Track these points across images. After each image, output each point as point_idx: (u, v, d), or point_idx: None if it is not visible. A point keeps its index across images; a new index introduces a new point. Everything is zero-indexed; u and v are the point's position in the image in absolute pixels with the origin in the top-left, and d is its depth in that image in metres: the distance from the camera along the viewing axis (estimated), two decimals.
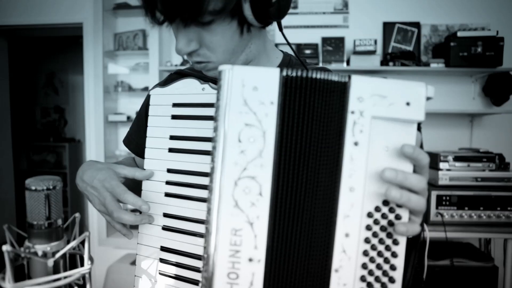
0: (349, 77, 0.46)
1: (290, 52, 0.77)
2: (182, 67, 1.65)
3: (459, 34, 2.31)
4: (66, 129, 4.91)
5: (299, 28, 2.71)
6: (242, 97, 0.44)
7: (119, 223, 0.63)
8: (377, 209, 0.47)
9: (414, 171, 0.47)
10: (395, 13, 2.64)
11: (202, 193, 0.60)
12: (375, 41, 2.48)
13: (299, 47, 2.56)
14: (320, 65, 2.52)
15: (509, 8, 2.54)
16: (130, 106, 2.99)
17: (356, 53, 2.49)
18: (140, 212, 0.62)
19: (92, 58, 2.79)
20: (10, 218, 3.72)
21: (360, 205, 0.47)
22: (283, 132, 0.45)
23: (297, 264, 0.48)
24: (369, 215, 0.47)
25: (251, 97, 0.44)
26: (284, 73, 0.45)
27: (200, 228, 0.59)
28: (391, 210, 0.47)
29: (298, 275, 0.48)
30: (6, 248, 0.45)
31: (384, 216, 0.47)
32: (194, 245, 0.60)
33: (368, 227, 0.47)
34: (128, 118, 2.87)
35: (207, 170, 0.58)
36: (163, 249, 0.62)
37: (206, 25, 0.56)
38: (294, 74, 0.45)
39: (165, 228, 0.62)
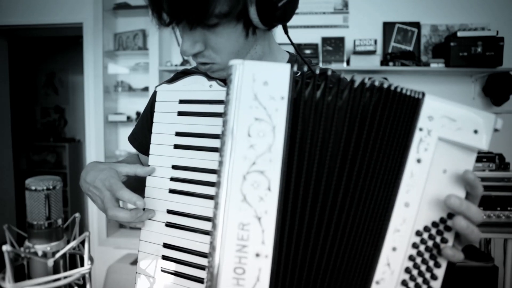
0: (423, 95, 0.46)
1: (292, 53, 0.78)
2: (182, 67, 1.65)
3: (459, 34, 2.31)
4: (66, 129, 4.89)
5: (299, 28, 2.71)
6: (253, 92, 0.44)
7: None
8: (426, 229, 0.47)
9: (466, 198, 0.47)
10: (395, 13, 2.64)
11: (207, 190, 0.59)
12: (375, 41, 2.48)
13: (299, 47, 2.56)
14: (320, 65, 2.53)
15: (509, 8, 2.55)
16: (130, 106, 2.99)
17: (356, 53, 2.49)
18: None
19: (92, 58, 2.79)
20: (10, 218, 3.70)
21: (412, 222, 0.47)
22: (296, 128, 0.45)
23: (326, 265, 0.47)
24: (418, 233, 0.47)
25: (261, 91, 0.44)
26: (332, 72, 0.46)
27: (204, 225, 0.59)
28: (439, 232, 0.47)
29: (327, 278, 0.47)
30: (6, 248, 0.45)
31: (431, 237, 0.47)
32: (197, 242, 0.59)
33: (415, 245, 0.47)
34: (128, 118, 2.87)
35: (213, 166, 0.58)
36: (166, 246, 0.62)
37: (212, 27, 0.56)
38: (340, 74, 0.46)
39: (169, 224, 0.62)
